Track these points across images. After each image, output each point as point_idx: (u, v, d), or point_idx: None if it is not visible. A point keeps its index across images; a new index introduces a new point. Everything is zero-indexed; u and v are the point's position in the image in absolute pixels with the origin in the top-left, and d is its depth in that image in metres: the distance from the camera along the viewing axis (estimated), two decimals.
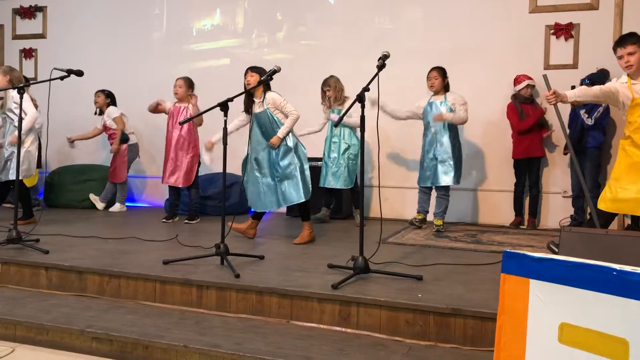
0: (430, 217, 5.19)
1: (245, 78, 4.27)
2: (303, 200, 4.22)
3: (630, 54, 3.52)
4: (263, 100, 4.25)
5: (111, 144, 6.23)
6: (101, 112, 6.27)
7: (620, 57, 3.57)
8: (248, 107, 4.33)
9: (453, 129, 5.02)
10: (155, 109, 5.54)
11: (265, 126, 4.26)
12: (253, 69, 4.28)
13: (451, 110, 4.96)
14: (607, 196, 3.59)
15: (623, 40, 3.59)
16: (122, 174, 6.23)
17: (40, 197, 6.59)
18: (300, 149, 4.29)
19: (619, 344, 1.39)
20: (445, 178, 4.93)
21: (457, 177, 5.01)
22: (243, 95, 3.67)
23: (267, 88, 4.28)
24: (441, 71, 5.02)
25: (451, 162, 4.94)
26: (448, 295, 2.82)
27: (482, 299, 2.74)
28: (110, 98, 6.24)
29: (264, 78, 3.80)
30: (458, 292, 2.90)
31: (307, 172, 4.26)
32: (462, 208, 5.88)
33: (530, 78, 5.46)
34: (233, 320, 2.92)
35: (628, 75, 3.59)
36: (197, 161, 5.57)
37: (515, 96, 5.52)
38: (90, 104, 6.34)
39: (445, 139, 4.96)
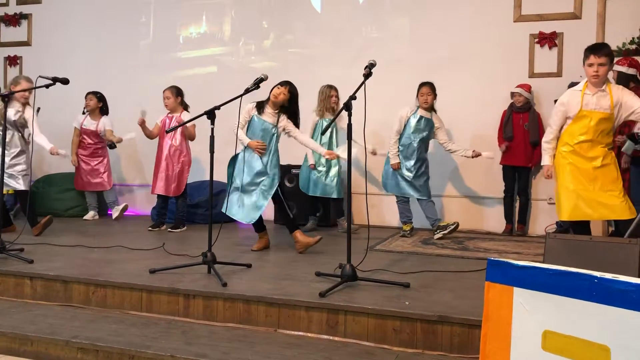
0: (418, 224, 5.23)
1: (275, 88, 4.20)
2: (242, 221, 4.27)
3: (601, 64, 3.57)
4: (277, 116, 4.24)
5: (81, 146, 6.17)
6: (86, 113, 6.19)
7: (590, 65, 3.60)
8: (261, 106, 4.28)
9: (427, 146, 5.21)
10: (144, 127, 5.50)
11: (261, 134, 4.24)
12: (288, 86, 4.20)
13: (432, 129, 5.13)
14: (568, 204, 3.67)
15: (599, 49, 3.62)
16: (111, 180, 6.25)
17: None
18: (276, 179, 4.22)
19: (601, 350, 1.41)
20: (423, 192, 5.08)
21: (429, 190, 5.21)
22: (232, 102, 3.66)
23: (291, 110, 4.25)
24: (433, 87, 5.09)
25: (426, 177, 5.12)
26: (435, 303, 2.83)
27: (469, 306, 2.75)
28: (102, 102, 6.19)
29: (250, 87, 3.80)
30: (445, 299, 2.92)
31: (265, 202, 4.19)
32: (449, 215, 5.91)
33: (523, 86, 5.49)
34: (220, 330, 2.90)
35: (587, 83, 3.67)
36: (187, 170, 5.57)
37: (511, 104, 5.59)
38: (76, 111, 6.30)
39: (424, 155, 5.15)
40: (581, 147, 3.66)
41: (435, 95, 5.10)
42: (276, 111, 4.26)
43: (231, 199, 4.27)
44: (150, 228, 5.47)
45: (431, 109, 5.13)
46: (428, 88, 5.06)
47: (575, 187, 3.64)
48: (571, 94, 3.75)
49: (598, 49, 3.63)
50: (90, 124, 6.16)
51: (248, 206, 4.20)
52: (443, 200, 5.93)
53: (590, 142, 3.65)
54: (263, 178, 4.20)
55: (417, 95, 5.10)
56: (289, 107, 4.26)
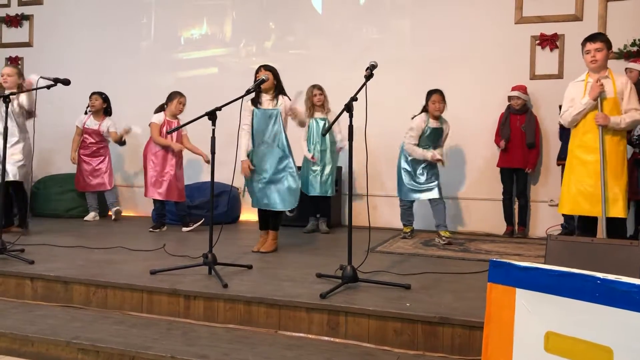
0: (419, 226, 5.20)
1: (258, 73, 4.18)
2: (286, 209, 4.26)
3: (597, 50, 3.66)
4: (275, 100, 4.22)
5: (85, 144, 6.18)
6: (89, 112, 6.19)
7: (587, 52, 3.70)
8: (256, 101, 4.23)
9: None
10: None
11: (269, 122, 4.21)
12: (267, 68, 4.20)
13: (442, 135, 5.03)
14: (569, 199, 3.73)
15: (594, 37, 3.73)
16: (112, 180, 6.27)
17: None
18: (292, 159, 4.24)
19: (604, 352, 1.41)
20: (437, 191, 4.99)
21: (441, 189, 5.13)
22: (233, 103, 3.66)
23: (281, 90, 4.26)
24: (443, 95, 4.90)
25: (438, 177, 5.05)
26: (436, 304, 2.83)
27: (470, 307, 2.75)
28: (106, 102, 6.21)
29: (251, 88, 3.80)
30: (446, 300, 2.91)
31: (298, 183, 4.21)
32: (450, 217, 5.90)
33: (519, 88, 5.49)
34: (221, 331, 2.90)
35: (588, 72, 3.73)
36: None
37: (509, 106, 5.58)
38: (77, 112, 6.30)
39: None
40: (587, 133, 3.66)
41: (445, 103, 4.91)
42: (272, 95, 4.24)
43: (253, 191, 4.24)
44: (150, 229, 5.46)
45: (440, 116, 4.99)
46: (440, 96, 4.85)
47: (577, 182, 3.67)
48: (574, 86, 3.81)
49: (592, 37, 3.73)
50: (93, 123, 6.16)
51: (283, 193, 4.17)
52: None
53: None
54: (286, 162, 4.19)
55: (427, 103, 4.89)
56: (278, 85, 4.24)
